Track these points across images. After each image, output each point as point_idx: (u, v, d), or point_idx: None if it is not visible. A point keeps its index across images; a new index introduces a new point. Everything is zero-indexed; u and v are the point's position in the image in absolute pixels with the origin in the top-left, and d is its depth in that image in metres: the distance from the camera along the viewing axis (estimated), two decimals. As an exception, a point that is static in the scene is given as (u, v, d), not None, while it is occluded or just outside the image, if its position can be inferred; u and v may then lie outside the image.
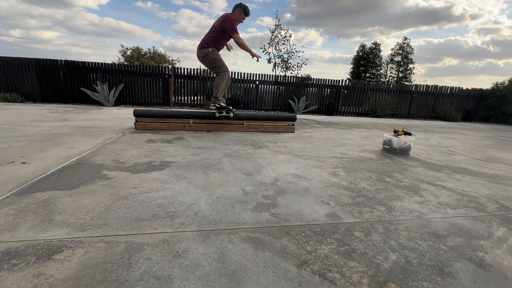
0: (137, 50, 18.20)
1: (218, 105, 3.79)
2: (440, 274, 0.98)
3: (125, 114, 5.25)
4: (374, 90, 8.83)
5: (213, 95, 3.83)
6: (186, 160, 2.22)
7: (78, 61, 7.12)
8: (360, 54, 37.35)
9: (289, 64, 9.71)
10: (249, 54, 3.64)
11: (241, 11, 3.65)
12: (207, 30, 3.66)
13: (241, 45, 3.58)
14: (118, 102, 7.50)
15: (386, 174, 2.17)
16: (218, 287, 0.85)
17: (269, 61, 9.71)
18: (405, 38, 36.84)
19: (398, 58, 37.19)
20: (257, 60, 3.72)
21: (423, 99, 9.09)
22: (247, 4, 3.70)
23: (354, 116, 8.63)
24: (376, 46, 37.05)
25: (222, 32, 3.58)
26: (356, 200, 1.60)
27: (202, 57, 3.73)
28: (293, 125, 4.13)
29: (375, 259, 1.04)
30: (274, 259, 1.00)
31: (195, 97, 8.04)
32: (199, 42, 3.66)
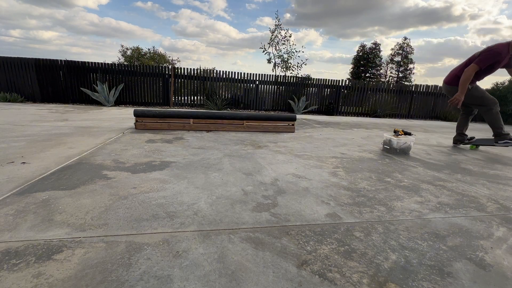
0: (137, 50, 18.23)
1: (510, 139, 3.33)
2: (440, 274, 0.98)
3: (125, 114, 5.25)
4: (374, 90, 8.83)
5: (496, 133, 3.42)
6: (186, 160, 2.22)
7: (78, 61, 7.12)
8: (360, 54, 37.35)
9: (289, 64, 9.71)
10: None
11: None
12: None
13: (463, 79, 3.12)
14: (118, 102, 7.50)
15: (386, 174, 2.17)
16: (218, 287, 0.85)
17: (269, 61, 9.72)
18: (405, 38, 36.88)
19: (398, 58, 37.21)
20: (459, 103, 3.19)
21: (423, 99, 9.08)
22: None
23: (354, 116, 8.63)
24: (376, 46, 37.06)
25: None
26: (356, 200, 1.60)
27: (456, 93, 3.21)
28: (293, 125, 4.13)
29: (375, 259, 1.04)
30: (274, 259, 1.00)
31: (195, 97, 8.04)
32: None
